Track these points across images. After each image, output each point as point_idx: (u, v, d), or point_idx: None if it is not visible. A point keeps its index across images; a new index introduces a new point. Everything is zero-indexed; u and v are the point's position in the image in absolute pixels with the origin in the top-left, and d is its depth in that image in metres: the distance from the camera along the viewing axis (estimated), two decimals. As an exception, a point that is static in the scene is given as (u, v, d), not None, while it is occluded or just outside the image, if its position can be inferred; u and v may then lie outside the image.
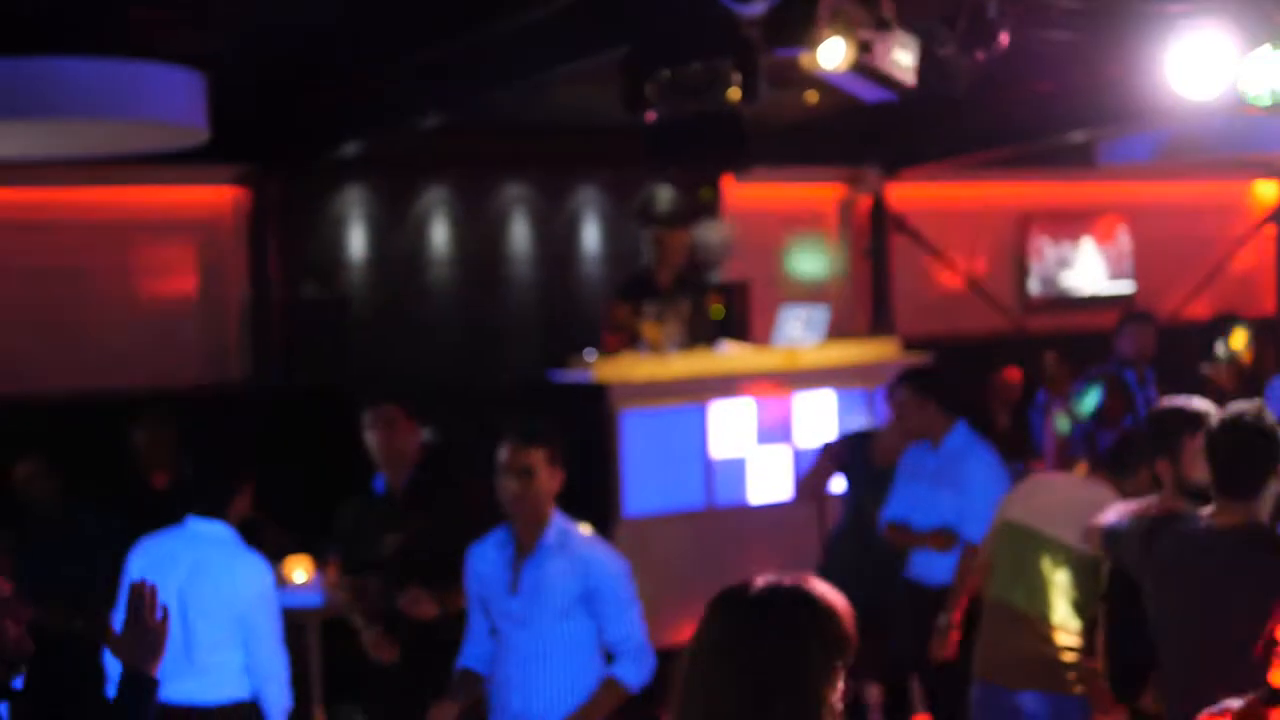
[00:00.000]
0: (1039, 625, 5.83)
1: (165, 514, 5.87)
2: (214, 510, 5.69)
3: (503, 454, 5.22)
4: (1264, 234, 15.54)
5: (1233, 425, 4.67)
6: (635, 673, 5.23)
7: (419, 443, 6.42)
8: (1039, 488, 6.35)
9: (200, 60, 7.04)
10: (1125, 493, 5.83)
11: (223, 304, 10.70)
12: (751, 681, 2.73)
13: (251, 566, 5.65)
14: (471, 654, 5.47)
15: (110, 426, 8.14)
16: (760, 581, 2.84)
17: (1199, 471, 4.88)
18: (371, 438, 6.34)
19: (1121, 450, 6.14)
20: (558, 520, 5.33)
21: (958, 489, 7.02)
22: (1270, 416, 4.65)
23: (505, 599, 5.28)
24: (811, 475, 8.13)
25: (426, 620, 6.04)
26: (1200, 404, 5.20)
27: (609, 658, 5.29)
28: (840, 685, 2.78)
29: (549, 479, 5.26)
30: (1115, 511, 5.29)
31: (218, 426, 9.32)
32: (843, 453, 7.91)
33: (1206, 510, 4.72)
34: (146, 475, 7.73)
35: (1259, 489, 4.63)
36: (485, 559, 5.39)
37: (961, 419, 7.41)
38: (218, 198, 10.66)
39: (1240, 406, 4.72)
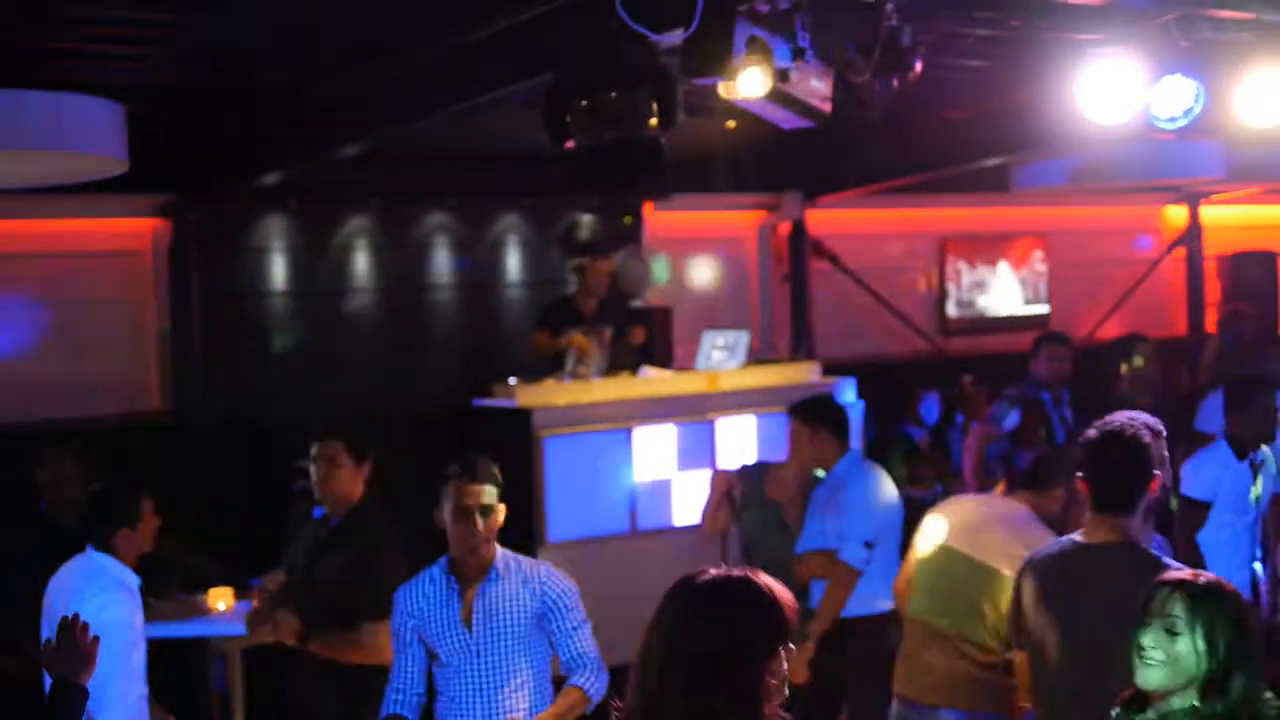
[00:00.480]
0: (959, 643, 5.90)
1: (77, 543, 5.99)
2: (101, 544, 5.84)
3: (459, 494, 5.26)
4: (1174, 257, 15.82)
5: (1105, 441, 4.67)
6: (596, 685, 5.26)
7: (362, 481, 6.42)
8: (958, 508, 6.42)
9: (120, 90, 7.02)
10: (1041, 509, 5.96)
11: (143, 335, 10.62)
12: (697, 660, 3.04)
13: (109, 597, 5.66)
14: (400, 700, 5.38)
15: (27, 459, 8.05)
16: (711, 572, 3.19)
17: None
18: (313, 472, 6.37)
19: (1038, 469, 6.25)
20: (498, 547, 5.36)
21: (838, 512, 7.09)
22: (1143, 431, 4.65)
23: (456, 632, 5.25)
24: (709, 508, 8.12)
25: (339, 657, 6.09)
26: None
27: (565, 676, 5.33)
28: (783, 668, 3.08)
29: (500, 512, 5.34)
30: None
31: (124, 460, 9.25)
32: (738, 484, 7.91)
33: (1079, 531, 4.76)
34: (53, 511, 7.60)
35: (1133, 505, 4.64)
36: (424, 596, 5.33)
37: (853, 448, 7.46)
38: (138, 228, 10.58)
39: (1115, 420, 4.71)
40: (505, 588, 5.26)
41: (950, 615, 5.94)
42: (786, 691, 3.12)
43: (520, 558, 5.39)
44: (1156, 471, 4.66)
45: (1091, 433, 4.74)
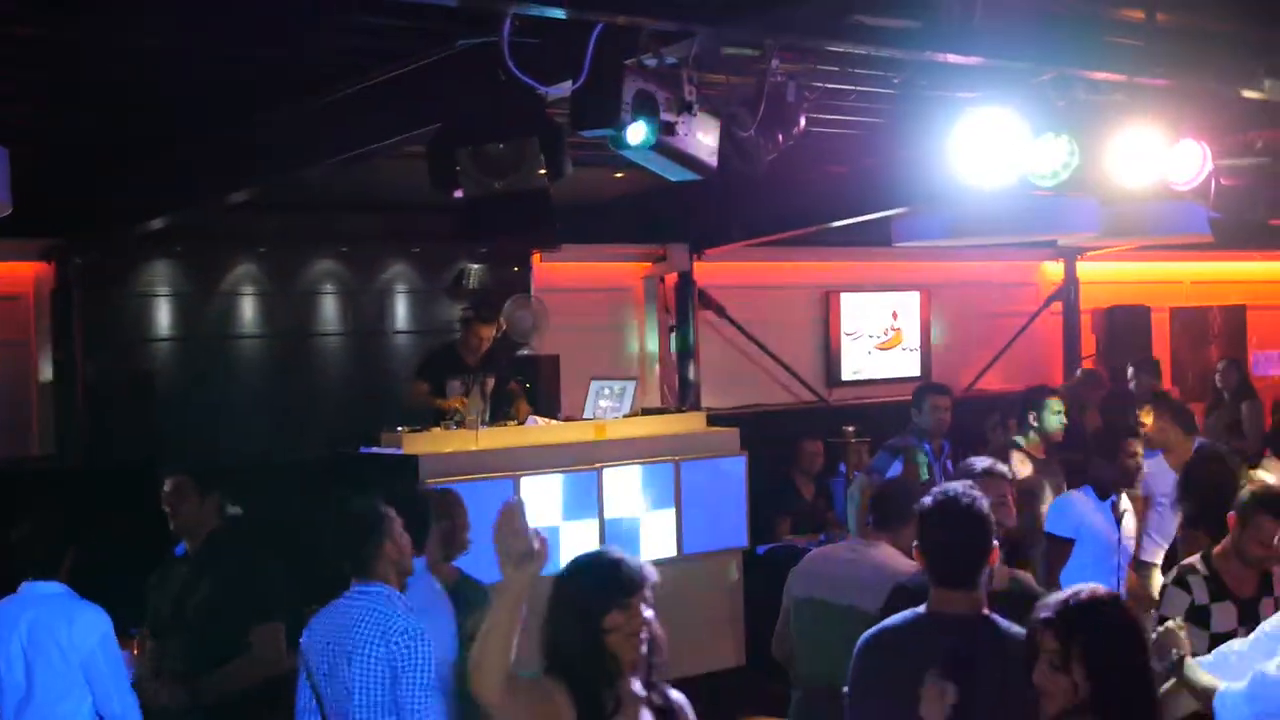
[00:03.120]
0: None
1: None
2: (47, 572, 5.93)
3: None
4: (1052, 311, 16.15)
5: (942, 511, 4.47)
6: None
7: (213, 511, 6.54)
8: (823, 561, 6.52)
9: (3, 132, 6.96)
10: (900, 546, 6.10)
11: (25, 380, 10.49)
12: (555, 612, 4.23)
13: (89, 615, 5.85)
14: None
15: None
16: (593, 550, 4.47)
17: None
18: (165, 505, 6.49)
19: (889, 508, 6.40)
20: None
21: None
22: (980, 499, 4.48)
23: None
24: None
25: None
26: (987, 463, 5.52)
27: None
28: (627, 618, 4.14)
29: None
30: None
31: (4, 505, 9.11)
32: None
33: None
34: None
35: (977, 577, 4.42)
36: None
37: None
38: (19, 272, 10.48)
39: (951, 487, 4.54)
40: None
41: (834, 668, 5.94)
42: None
43: None
44: (995, 543, 4.50)
45: (927, 501, 4.55)
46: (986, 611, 4.44)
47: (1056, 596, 3.83)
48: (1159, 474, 8.51)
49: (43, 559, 5.97)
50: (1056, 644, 3.70)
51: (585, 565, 4.30)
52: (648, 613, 4.18)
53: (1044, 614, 3.76)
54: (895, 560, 6.04)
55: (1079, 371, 12.30)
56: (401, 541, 5.33)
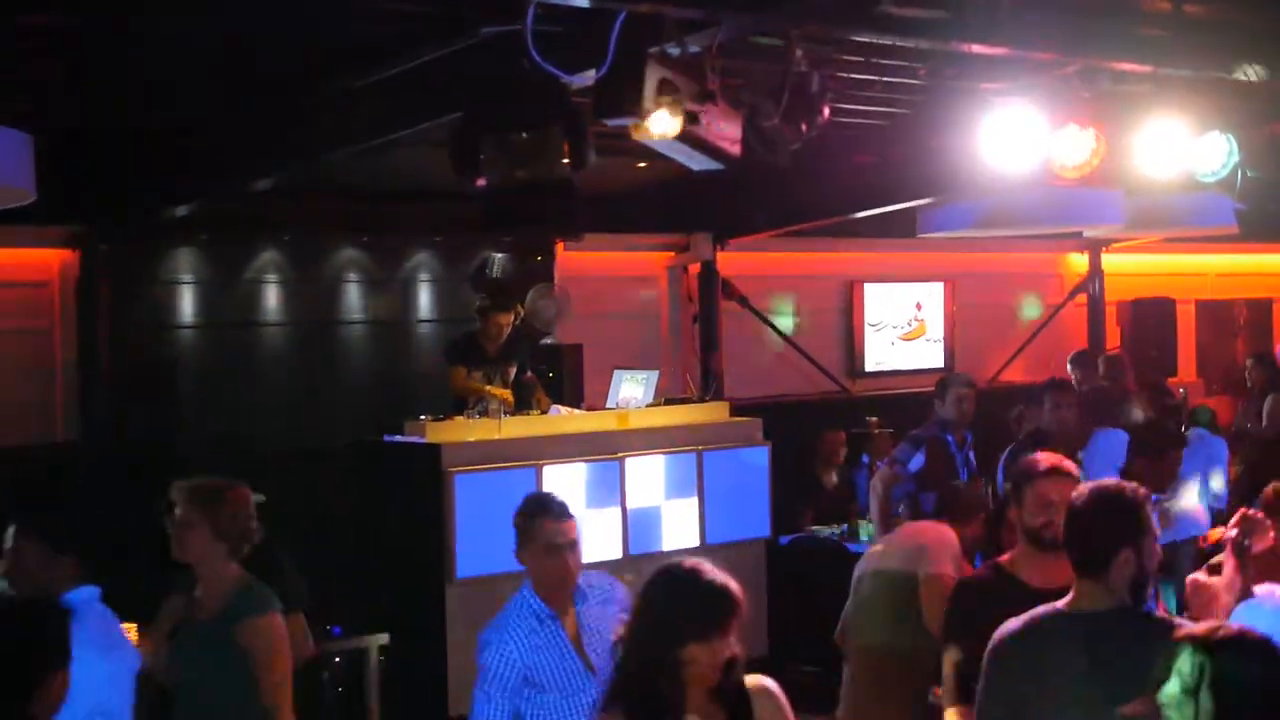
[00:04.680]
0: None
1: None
2: None
3: (549, 533, 5.19)
4: (1076, 303, 16.10)
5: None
6: None
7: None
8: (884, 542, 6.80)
9: (28, 120, 6.99)
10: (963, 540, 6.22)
11: (50, 366, 10.52)
12: (630, 628, 3.87)
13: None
14: None
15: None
16: (677, 560, 3.96)
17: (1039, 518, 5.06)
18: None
19: (956, 501, 6.46)
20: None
21: None
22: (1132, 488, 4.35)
23: (572, 660, 5.18)
24: None
25: None
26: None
27: None
28: (715, 645, 3.73)
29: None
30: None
31: (29, 490, 9.15)
32: None
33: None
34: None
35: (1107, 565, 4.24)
36: (531, 636, 5.18)
37: None
38: (45, 259, 10.51)
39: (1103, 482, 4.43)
40: (593, 605, 5.28)
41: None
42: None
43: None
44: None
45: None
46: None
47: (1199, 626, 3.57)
48: None
49: None
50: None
51: (669, 583, 3.90)
52: (734, 646, 3.80)
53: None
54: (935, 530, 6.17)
55: (1100, 359, 12.19)
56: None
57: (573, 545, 5.23)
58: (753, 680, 3.95)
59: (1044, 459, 5.35)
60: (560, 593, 5.24)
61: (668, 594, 3.86)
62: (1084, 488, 4.37)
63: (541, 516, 5.23)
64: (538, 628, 5.20)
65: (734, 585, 3.87)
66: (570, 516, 5.27)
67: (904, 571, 6.57)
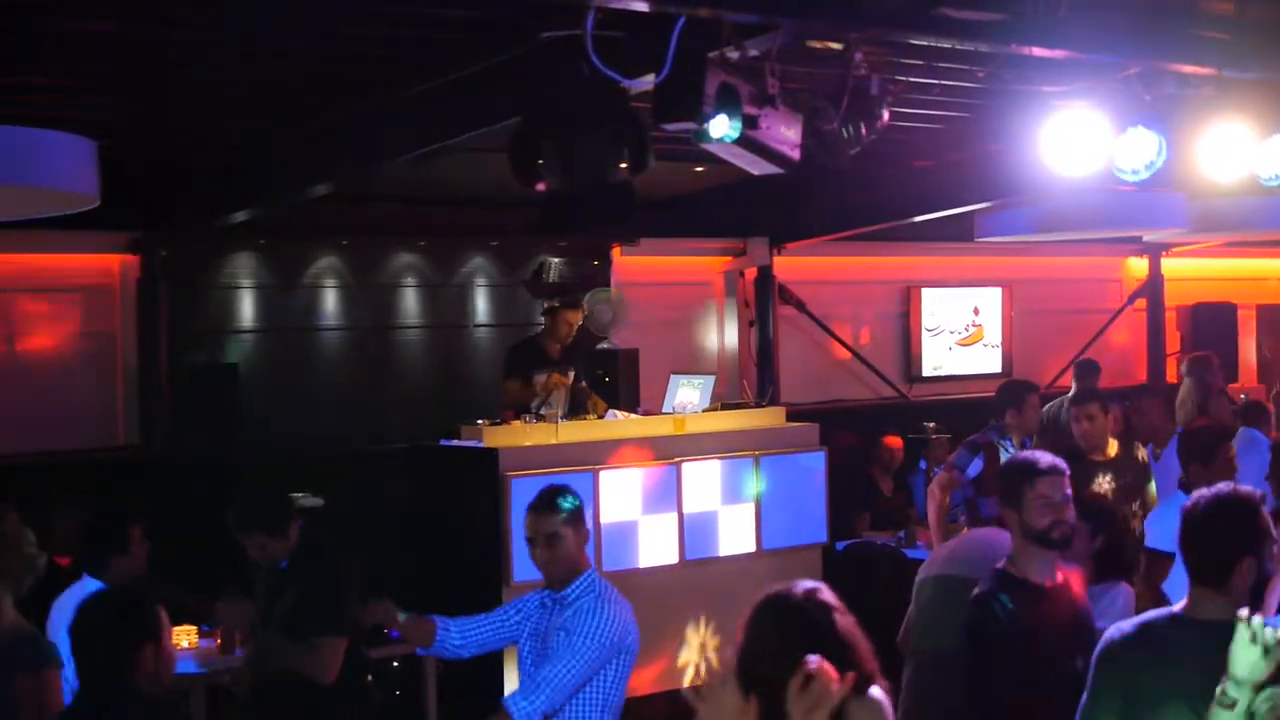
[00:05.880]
0: None
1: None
2: (96, 571, 6.15)
3: (527, 525, 5.49)
4: (1136, 307, 15.98)
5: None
6: (522, 706, 5.24)
7: (294, 533, 6.35)
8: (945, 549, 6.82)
9: (92, 126, 7.05)
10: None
11: (111, 370, 10.61)
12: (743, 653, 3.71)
13: None
14: (461, 622, 5.64)
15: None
16: (783, 586, 3.84)
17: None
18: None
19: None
20: (592, 576, 5.54)
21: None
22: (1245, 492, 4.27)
23: (526, 640, 5.58)
24: None
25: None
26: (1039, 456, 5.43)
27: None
28: (810, 674, 3.43)
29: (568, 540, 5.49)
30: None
31: (90, 494, 9.23)
32: None
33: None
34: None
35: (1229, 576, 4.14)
36: (535, 603, 5.63)
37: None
38: (107, 264, 10.60)
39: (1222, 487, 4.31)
40: (562, 612, 5.41)
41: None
42: None
43: (603, 597, 5.44)
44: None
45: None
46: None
47: None
48: None
49: (90, 558, 6.21)
50: None
51: (768, 605, 3.82)
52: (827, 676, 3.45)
53: None
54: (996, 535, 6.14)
55: (1185, 361, 11.97)
56: None
57: (546, 540, 5.42)
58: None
59: (1042, 458, 5.34)
60: (546, 579, 5.53)
61: (770, 613, 3.80)
62: (1203, 494, 4.26)
63: (530, 510, 5.50)
64: (537, 600, 5.60)
65: (840, 617, 3.81)
66: (549, 511, 5.44)
67: (968, 578, 6.54)
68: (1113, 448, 8.94)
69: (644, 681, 8.18)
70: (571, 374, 10.28)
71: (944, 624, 6.37)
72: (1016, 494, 5.24)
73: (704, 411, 10.13)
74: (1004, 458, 8.98)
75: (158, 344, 10.49)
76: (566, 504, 5.47)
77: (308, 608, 6.03)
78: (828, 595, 3.85)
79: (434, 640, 5.60)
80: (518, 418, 9.60)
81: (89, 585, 6.02)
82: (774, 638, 3.72)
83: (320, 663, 5.93)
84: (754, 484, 9.95)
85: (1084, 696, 4.29)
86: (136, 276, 10.56)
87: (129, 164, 8.62)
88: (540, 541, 5.43)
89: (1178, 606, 4.21)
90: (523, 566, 8.92)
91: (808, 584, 3.86)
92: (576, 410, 10.06)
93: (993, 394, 9.62)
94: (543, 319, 10.60)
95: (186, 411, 10.45)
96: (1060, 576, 5.31)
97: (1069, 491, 5.29)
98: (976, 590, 5.36)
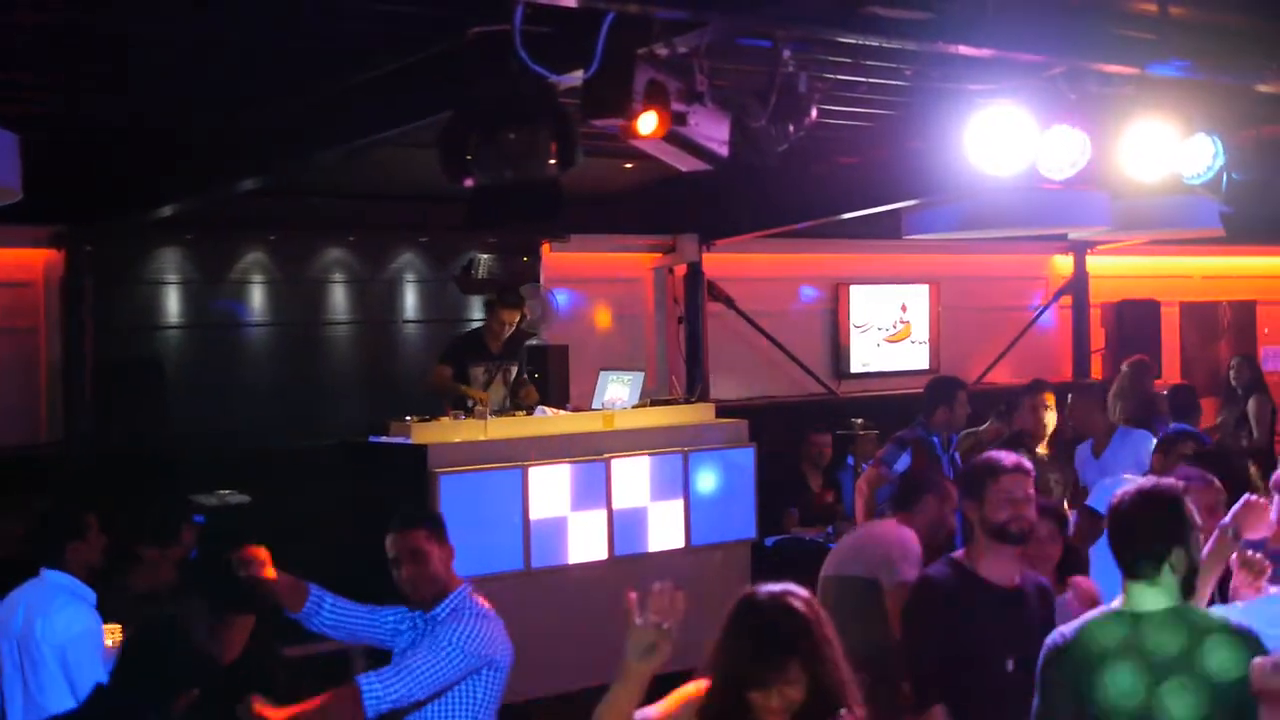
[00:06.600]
0: None
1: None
2: (52, 560, 6.02)
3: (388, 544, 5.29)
4: (1061, 304, 16.14)
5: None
6: (378, 689, 5.06)
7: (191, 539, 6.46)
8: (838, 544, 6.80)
9: (13, 120, 6.96)
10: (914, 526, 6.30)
11: (33, 367, 10.49)
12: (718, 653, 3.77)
13: (70, 610, 5.86)
14: (340, 602, 5.50)
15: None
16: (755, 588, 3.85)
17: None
18: None
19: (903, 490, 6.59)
20: (463, 595, 5.36)
21: None
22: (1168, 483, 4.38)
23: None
24: None
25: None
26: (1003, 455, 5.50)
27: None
28: (766, 696, 3.63)
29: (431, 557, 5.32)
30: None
31: (12, 492, 9.13)
32: None
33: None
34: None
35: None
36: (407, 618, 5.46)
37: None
38: (29, 259, 10.47)
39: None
40: (425, 632, 5.27)
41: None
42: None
43: (473, 611, 5.31)
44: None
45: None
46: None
47: None
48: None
49: (46, 547, 6.08)
50: None
51: (738, 614, 3.85)
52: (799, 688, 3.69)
53: None
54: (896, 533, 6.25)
55: (1125, 365, 12.10)
56: None
57: (410, 555, 5.26)
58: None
59: (1006, 456, 5.40)
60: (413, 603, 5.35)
61: (738, 625, 3.79)
62: (1126, 490, 4.33)
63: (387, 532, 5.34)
64: (409, 630, 5.42)
65: (801, 620, 3.76)
66: (411, 526, 5.33)
67: (866, 578, 6.68)
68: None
69: (572, 677, 8.16)
70: (514, 369, 10.33)
71: (847, 623, 6.30)
72: (979, 488, 5.27)
73: (633, 408, 10.14)
74: (930, 453, 9.10)
75: (82, 340, 10.37)
76: (428, 519, 5.39)
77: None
78: (802, 596, 3.83)
79: (303, 606, 5.41)
80: (447, 411, 9.59)
81: (49, 579, 5.98)
82: (748, 639, 3.74)
83: None
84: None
85: (1035, 701, 4.32)
86: (60, 272, 10.43)
87: (52, 158, 8.52)
88: (405, 558, 5.25)
89: (1115, 603, 4.26)
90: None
91: (781, 586, 3.84)
92: (517, 404, 10.10)
93: (920, 390, 9.70)
94: (487, 316, 10.66)
95: (110, 408, 10.34)
96: (1018, 579, 5.31)
97: (1032, 492, 5.34)
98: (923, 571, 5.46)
